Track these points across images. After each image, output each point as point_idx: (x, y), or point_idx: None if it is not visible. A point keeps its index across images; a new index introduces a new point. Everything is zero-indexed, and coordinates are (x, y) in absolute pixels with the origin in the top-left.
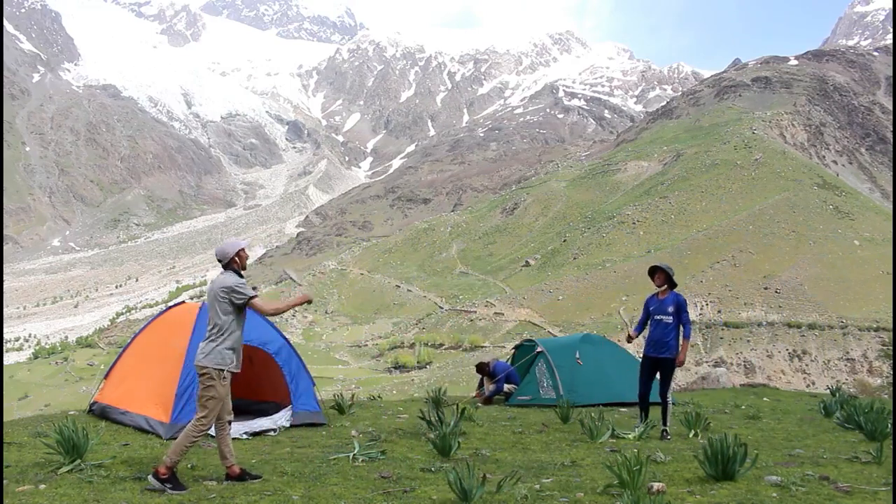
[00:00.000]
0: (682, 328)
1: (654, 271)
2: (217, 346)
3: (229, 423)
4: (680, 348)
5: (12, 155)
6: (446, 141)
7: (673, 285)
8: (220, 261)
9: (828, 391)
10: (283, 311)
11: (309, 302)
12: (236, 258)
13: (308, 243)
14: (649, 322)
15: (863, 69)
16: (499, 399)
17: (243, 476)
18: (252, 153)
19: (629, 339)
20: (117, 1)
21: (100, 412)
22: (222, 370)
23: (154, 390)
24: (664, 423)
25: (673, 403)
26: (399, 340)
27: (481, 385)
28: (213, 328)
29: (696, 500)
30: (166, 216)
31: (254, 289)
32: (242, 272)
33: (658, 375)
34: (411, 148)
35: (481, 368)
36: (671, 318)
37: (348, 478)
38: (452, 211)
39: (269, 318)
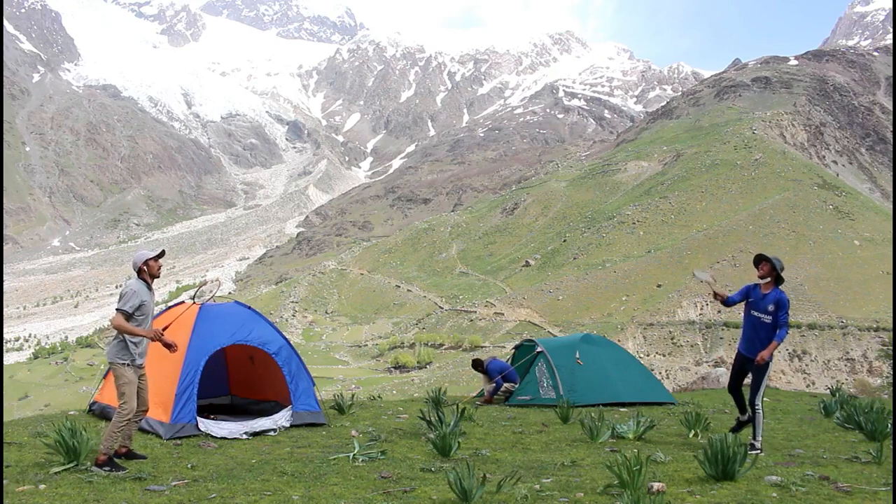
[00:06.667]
0: (777, 329)
1: (759, 260)
2: (118, 342)
3: (144, 413)
4: (768, 346)
5: (12, 155)
6: (446, 141)
7: (779, 280)
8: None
9: (828, 391)
10: (125, 332)
11: (152, 340)
12: (144, 267)
13: (308, 243)
14: (744, 316)
15: (863, 69)
16: (499, 399)
17: (111, 462)
18: (252, 153)
19: (715, 296)
20: (117, 1)
21: (100, 412)
22: (125, 363)
23: (154, 390)
24: (753, 436)
25: (758, 410)
26: (399, 340)
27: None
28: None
29: (696, 500)
30: (166, 216)
31: (142, 305)
32: (152, 280)
33: (749, 377)
34: (411, 148)
35: (476, 365)
36: (769, 317)
37: (348, 478)
38: (452, 211)
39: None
